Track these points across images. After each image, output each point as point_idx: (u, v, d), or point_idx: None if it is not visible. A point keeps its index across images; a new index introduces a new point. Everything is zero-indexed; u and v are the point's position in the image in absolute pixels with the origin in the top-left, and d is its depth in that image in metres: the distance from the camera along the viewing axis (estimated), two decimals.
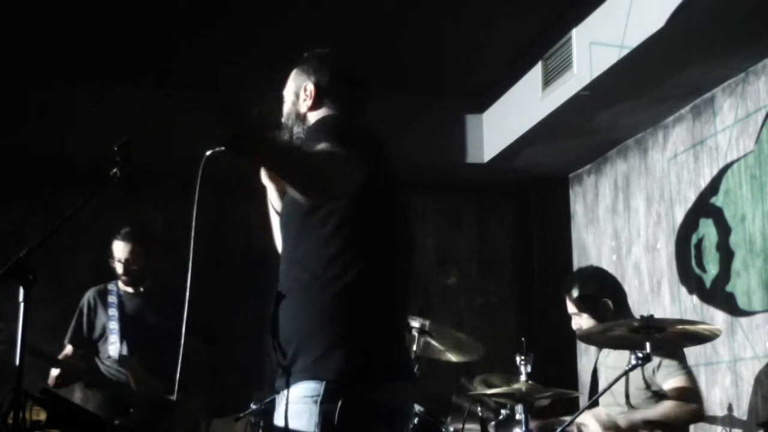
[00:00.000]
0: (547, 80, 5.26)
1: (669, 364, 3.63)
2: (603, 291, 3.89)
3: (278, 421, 2.22)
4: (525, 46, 5.44)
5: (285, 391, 2.19)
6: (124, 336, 4.49)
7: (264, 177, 2.58)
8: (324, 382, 2.12)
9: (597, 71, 4.66)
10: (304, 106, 2.49)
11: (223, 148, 2.40)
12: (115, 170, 2.57)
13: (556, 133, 5.63)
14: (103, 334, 4.55)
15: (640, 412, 3.64)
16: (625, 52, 4.36)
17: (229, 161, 2.18)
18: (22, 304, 2.33)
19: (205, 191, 2.54)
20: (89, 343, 4.59)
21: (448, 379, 5.83)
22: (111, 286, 4.64)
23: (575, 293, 3.88)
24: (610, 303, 3.85)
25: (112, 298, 4.60)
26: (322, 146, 2.17)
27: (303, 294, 2.23)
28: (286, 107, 2.54)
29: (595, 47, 4.69)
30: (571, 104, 5.07)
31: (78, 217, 2.54)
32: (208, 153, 2.46)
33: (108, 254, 4.58)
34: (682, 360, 3.68)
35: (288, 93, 2.55)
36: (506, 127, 5.89)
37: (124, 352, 4.49)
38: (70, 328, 4.62)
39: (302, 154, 2.18)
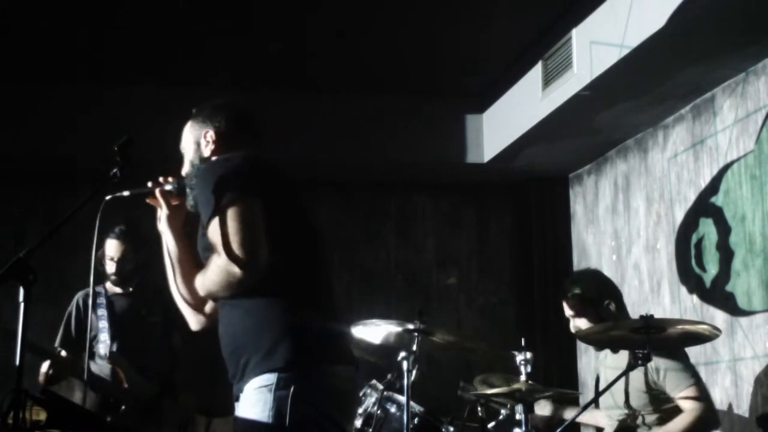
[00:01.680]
0: (547, 80, 5.26)
1: (676, 371, 3.61)
2: (605, 293, 3.90)
3: (238, 412, 2.43)
4: (525, 46, 5.44)
5: (243, 388, 2.41)
6: (114, 334, 4.51)
7: (161, 224, 2.76)
8: (276, 373, 2.32)
9: (597, 71, 4.66)
10: (207, 151, 2.69)
11: (125, 193, 2.67)
12: (115, 170, 2.58)
13: (556, 133, 5.63)
14: (95, 335, 4.57)
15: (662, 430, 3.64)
16: (625, 51, 4.36)
17: (129, 205, 2.37)
18: (22, 304, 2.33)
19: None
20: (79, 346, 4.58)
21: (448, 379, 5.84)
22: (99, 289, 4.65)
23: (577, 294, 3.88)
24: (612, 305, 3.86)
25: (101, 300, 4.62)
26: (230, 219, 2.35)
27: (243, 303, 2.43)
28: (188, 157, 2.73)
29: (595, 47, 4.69)
30: (571, 104, 5.07)
31: (78, 217, 2.54)
32: (107, 198, 2.65)
33: (100, 254, 4.56)
34: (688, 366, 3.67)
35: (187, 144, 2.75)
36: (506, 127, 5.89)
37: (114, 349, 4.50)
38: (59, 333, 4.63)
39: (216, 266, 2.38)
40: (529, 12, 5.00)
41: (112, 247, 4.55)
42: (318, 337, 2.42)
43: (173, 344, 4.59)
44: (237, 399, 2.46)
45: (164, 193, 2.74)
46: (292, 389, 2.30)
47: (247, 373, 2.38)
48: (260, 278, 2.34)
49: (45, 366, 4.35)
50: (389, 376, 3.71)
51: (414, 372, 3.60)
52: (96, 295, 4.63)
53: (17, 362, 2.32)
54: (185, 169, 2.74)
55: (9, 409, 2.35)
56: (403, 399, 3.55)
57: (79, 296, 4.69)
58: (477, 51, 5.50)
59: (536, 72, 5.41)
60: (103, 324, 4.57)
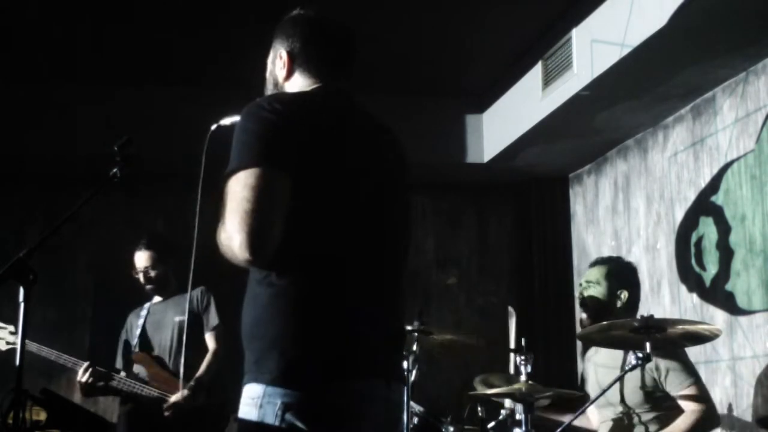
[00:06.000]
0: (547, 80, 5.26)
1: (677, 371, 3.62)
2: (622, 281, 3.90)
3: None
4: (525, 46, 5.44)
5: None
6: (141, 341, 4.66)
7: None
8: (264, 385, 2.01)
9: (597, 71, 4.66)
10: (280, 76, 2.33)
11: (226, 122, 2.33)
12: (115, 170, 2.57)
13: (556, 133, 5.63)
14: (131, 345, 4.74)
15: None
16: (625, 51, 4.36)
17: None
18: (22, 304, 2.33)
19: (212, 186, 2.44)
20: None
21: (448, 379, 5.85)
22: (146, 304, 4.79)
23: (595, 276, 3.89)
24: (625, 294, 3.86)
25: (143, 312, 4.76)
26: (232, 201, 1.98)
27: (251, 291, 2.10)
28: (267, 74, 2.38)
29: (595, 46, 4.69)
30: (571, 104, 5.07)
31: (78, 217, 2.54)
32: (213, 127, 2.41)
33: (132, 269, 4.68)
34: (688, 365, 3.67)
35: (269, 60, 2.38)
36: (506, 127, 5.89)
37: (137, 350, 4.64)
38: (117, 356, 4.79)
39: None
40: (529, 12, 5.00)
41: (138, 259, 4.69)
42: (319, 350, 2.01)
43: (204, 344, 4.61)
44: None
45: None
46: (277, 407, 1.98)
47: (245, 370, 2.07)
48: (269, 262, 1.98)
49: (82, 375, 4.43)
50: None
51: (414, 372, 3.60)
52: (141, 309, 4.78)
53: (17, 362, 2.33)
54: (266, 86, 2.38)
55: (9, 409, 2.36)
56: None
57: (130, 315, 4.83)
58: (477, 51, 5.50)
59: (536, 72, 5.41)
60: (137, 331, 4.71)
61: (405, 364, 3.59)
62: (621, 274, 3.94)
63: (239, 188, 1.97)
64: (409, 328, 3.74)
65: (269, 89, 2.35)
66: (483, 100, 6.20)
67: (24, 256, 2.34)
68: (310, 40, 2.30)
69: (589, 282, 3.94)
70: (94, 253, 6.32)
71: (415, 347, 3.67)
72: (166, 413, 4.33)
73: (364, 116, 2.30)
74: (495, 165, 6.21)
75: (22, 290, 2.32)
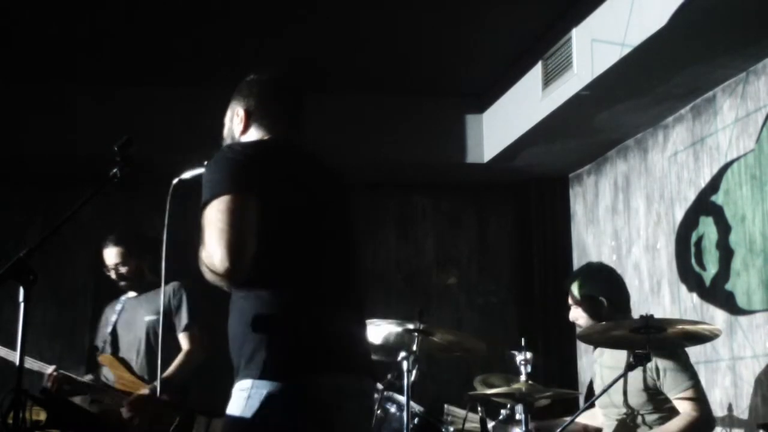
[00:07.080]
0: (547, 80, 5.26)
1: (676, 371, 3.61)
2: (601, 289, 3.90)
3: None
4: (525, 46, 5.44)
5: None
6: (112, 339, 4.56)
7: None
8: (252, 380, 2.28)
9: (597, 71, 4.66)
10: (237, 130, 2.66)
11: (185, 176, 2.61)
12: (115, 170, 2.58)
13: (556, 133, 5.63)
14: (104, 344, 4.62)
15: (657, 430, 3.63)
16: (626, 51, 4.36)
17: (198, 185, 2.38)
18: (22, 304, 2.33)
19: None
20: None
21: (448, 379, 5.85)
22: (123, 297, 4.69)
23: (574, 288, 3.91)
24: (604, 302, 3.86)
25: (119, 306, 4.66)
26: (211, 217, 2.28)
27: (237, 305, 2.39)
28: (225, 131, 2.71)
29: (595, 46, 4.69)
30: (571, 104, 5.07)
31: (78, 217, 2.54)
32: (175, 181, 2.63)
33: (103, 266, 4.58)
34: (688, 367, 3.66)
35: (226, 118, 2.71)
36: (506, 127, 5.89)
37: (107, 352, 4.52)
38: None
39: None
40: (529, 12, 5.00)
41: (107, 255, 4.61)
42: (300, 347, 2.32)
43: (176, 345, 4.53)
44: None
45: None
46: (263, 397, 2.25)
47: (236, 375, 2.36)
48: (245, 277, 2.28)
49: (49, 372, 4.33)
50: (389, 376, 3.71)
51: (414, 372, 3.60)
52: (116, 302, 4.70)
53: (17, 362, 2.33)
54: (223, 141, 2.71)
55: (9, 409, 2.36)
56: (403, 399, 3.55)
57: (106, 308, 4.74)
58: (477, 51, 5.50)
59: (536, 72, 5.41)
60: (108, 329, 4.61)
61: (405, 364, 3.59)
62: (593, 283, 3.94)
63: (214, 213, 2.27)
64: (409, 327, 3.74)
65: (227, 142, 2.68)
66: (483, 100, 6.20)
67: (24, 256, 2.34)
68: (264, 100, 2.65)
69: (572, 305, 3.96)
70: (94, 253, 6.31)
71: (415, 347, 3.67)
72: (126, 413, 4.20)
73: (312, 158, 2.60)
74: (495, 165, 6.21)
75: (22, 290, 2.32)
